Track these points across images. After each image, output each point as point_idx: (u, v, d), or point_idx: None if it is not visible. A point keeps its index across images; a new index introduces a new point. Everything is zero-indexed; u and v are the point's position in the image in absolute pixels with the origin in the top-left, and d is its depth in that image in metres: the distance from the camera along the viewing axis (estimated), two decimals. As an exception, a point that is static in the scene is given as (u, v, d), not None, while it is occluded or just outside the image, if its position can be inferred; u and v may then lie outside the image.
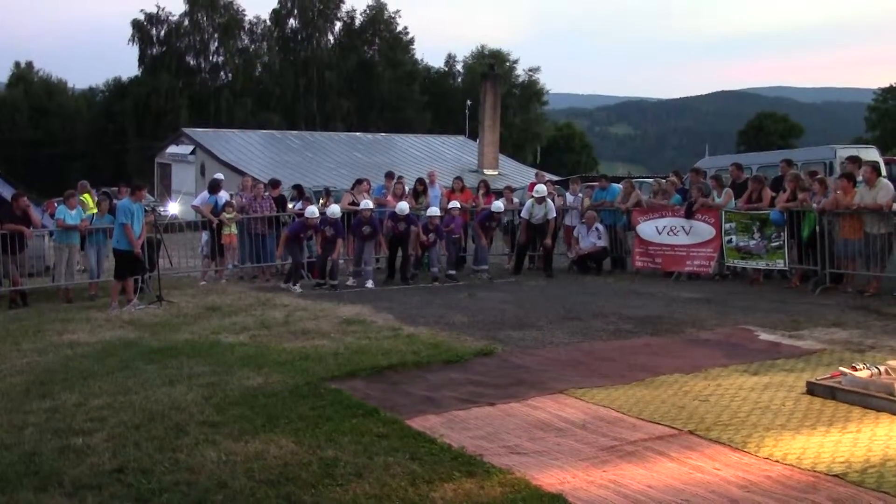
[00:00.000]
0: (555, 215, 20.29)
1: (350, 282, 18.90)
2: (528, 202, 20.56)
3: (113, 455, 7.05)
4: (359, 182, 21.28)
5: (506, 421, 8.01)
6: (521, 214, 20.52)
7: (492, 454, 6.96)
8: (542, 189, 20.34)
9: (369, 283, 18.43)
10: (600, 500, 6.01)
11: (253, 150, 57.60)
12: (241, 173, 38.11)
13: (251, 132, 64.07)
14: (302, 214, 18.73)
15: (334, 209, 18.92)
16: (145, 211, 16.98)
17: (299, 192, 22.88)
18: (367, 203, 19.25)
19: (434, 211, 19.61)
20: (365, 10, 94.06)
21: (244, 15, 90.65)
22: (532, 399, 8.73)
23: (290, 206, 21.28)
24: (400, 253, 19.46)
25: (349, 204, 20.03)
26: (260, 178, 27.25)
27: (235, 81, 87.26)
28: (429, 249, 19.49)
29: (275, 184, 21.48)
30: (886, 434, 7.34)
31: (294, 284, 17.93)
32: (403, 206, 19.37)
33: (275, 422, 7.90)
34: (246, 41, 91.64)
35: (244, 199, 20.21)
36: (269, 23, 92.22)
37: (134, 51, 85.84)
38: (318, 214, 18.49)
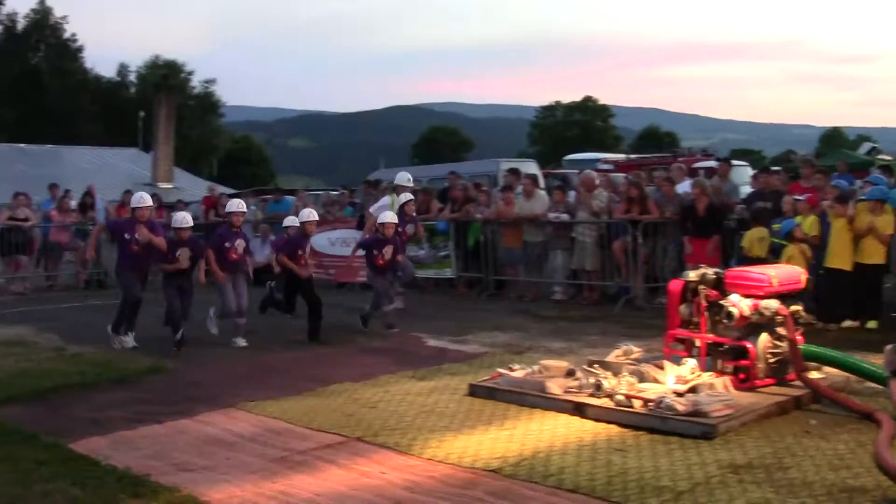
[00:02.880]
0: None
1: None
2: None
3: None
4: (15, 196, 20.18)
5: (175, 438, 7.89)
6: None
7: (159, 473, 6.83)
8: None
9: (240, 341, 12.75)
10: (269, 511, 6.06)
11: None
12: None
13: None
14: None
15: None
16: None
17: None
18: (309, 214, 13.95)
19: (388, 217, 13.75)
20: (28, 14, 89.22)
21: None
22: (202, 415, 8.64)
23: None
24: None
25: (7, 219, 18.93)
26: None
27: None
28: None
29: None
30: (538, 429, 7.82)
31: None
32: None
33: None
34: None
35: None
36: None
37: None
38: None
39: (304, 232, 13.69)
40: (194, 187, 53.66)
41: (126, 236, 12.41)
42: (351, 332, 13.32)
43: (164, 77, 67.06)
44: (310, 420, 8.32)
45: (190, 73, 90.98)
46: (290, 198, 22.28)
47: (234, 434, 7.98)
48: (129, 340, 12.40)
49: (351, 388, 9.64)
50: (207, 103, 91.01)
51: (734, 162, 20.91)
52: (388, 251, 13.39)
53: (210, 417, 8.55)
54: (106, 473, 6.84)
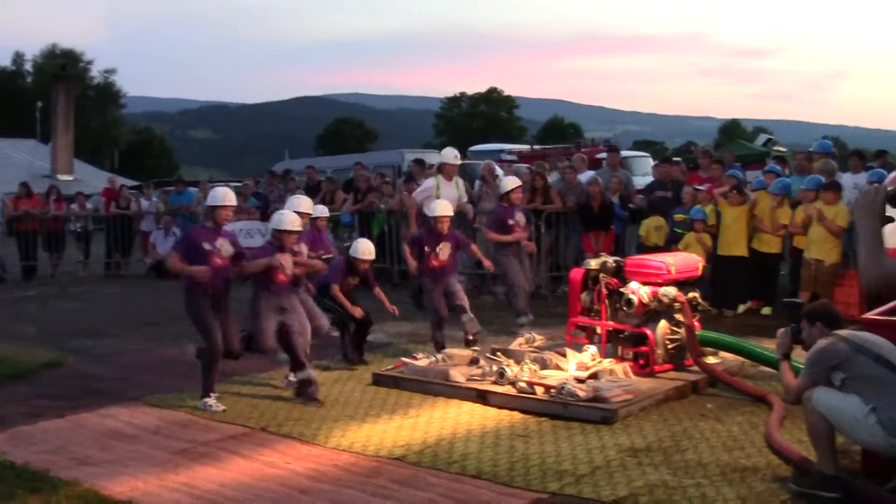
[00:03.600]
0: None
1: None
2: None
3: None
4: None
5: (76, 432, 7.81)
6: None
7: (59, 467, 6.77)
8: None
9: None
10: None
11: None
12: None
13: None
14: None
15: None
16: None
17: None
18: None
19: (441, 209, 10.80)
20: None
21: None
22: (104, 409, 8.55)
23: None
24: None
25: None
26: None
27: None
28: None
29: None
30: (441, 416, 7.92)
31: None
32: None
33: None
34: None
35: None
36: None
37: None
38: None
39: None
40: (95, 179, 52.78)
41: (207, 247, 8.69)
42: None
43: (63, 67, 65.64)
44: (214, 412, 8.29)
45: (89, 63, 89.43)
46: (192, 189, 22.06)
47: (137, 427, 7.93)
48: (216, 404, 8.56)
49: (255, 379, 9.63)
50: (108, 93, 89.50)
51: (635, 153, 21.27)
52: (443, 249, 10.65)
53: (112, 411, 8.47)
54: (4, 469, 6.76)
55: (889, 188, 3.05)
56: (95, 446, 7.38)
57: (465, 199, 13.40)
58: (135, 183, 36.31)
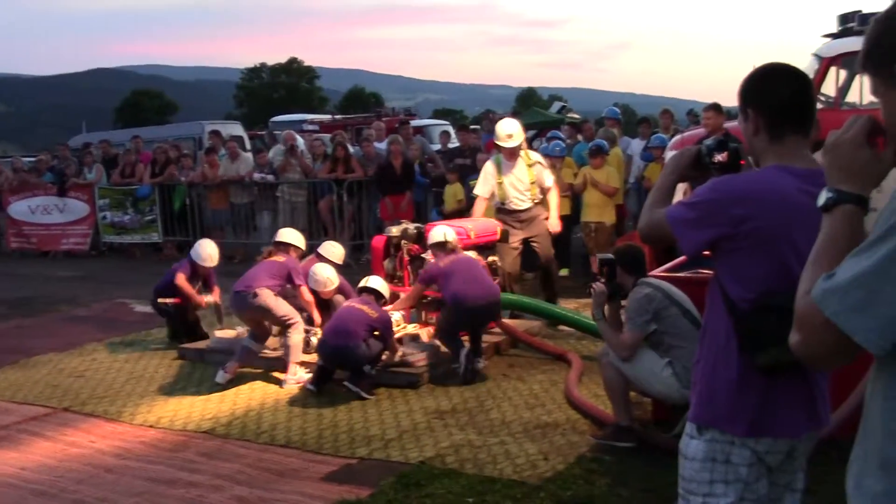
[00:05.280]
0: None
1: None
2: None
3: None
4: None
5: None
6: None
7: None
8: None
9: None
10: (-30, 489, 5.88)
11: None
12: None
13: None
14: None
15: None
16: None
17: None
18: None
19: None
20: None
21: None
22: None
23: None
24: None
25: None
26: None
27: None
28: None
29: None
30: (249, 388, 7.93)
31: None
32: None
33: None
34: None
35: None
36: None
37: None
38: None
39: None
40: None
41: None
42: (55, 301, 12.86)
43: None
44: (13, 394, 8.09)
45: None
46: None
47: (-71, 413, 7.65)
48: None
49: (56, 358, 9.39)
50: None
51: (434, 122, 21.48)
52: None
53: None
54: None
55: (693, 148, 3.24)
56: None
57: (546, 183, 9.92)
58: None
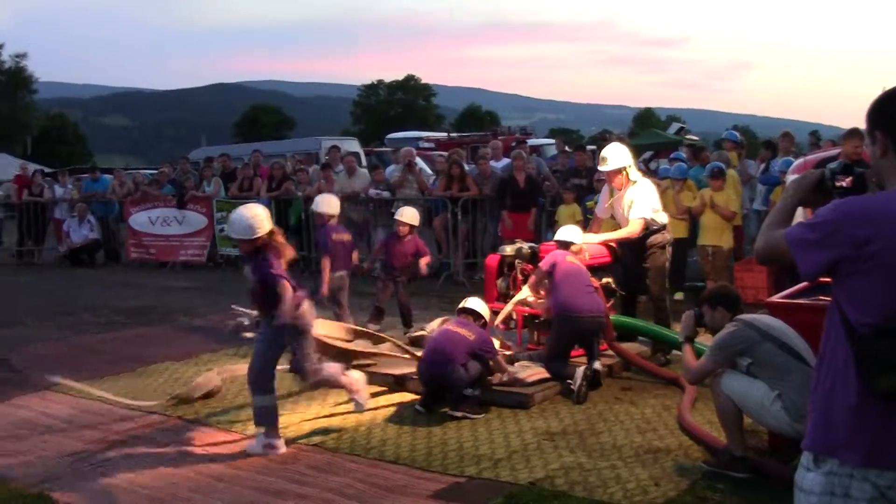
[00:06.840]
0: None
1: None
2: None
3: None
4: None
5: (-12, 423, 7.70)
6: None
7: (-26, 460, 6.67)
8: None
9: None
10: (89, 493, 5.99)
11: None
12: None
13: None
14: None
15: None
16: None
17: None
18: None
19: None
20: None
21: None
22: (16, 398, 8.43)
23: None
24: None
25: None
26: None
27: None
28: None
29: None
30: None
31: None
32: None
33: None
34: None
35: None
36: None
37: None
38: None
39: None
40: (6, 166, 51.58)
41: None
42: (171, 311, 13.13)
43: (-29, 51, 63.87)
44: (131, 401, 8.21)
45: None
46: (107, 176, 21.81)
47: (51, 416, 7.85)
48: None
49: (172, 367, 9.57)
50: (18, 78, 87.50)
51: (549, 141, 21.44)
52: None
53: (24, 401, 8.37)
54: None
55: (816, 172, 3.16)
56: (7, 436, 7.28)
57: (630, 215, 9.31)
58: (48, 170, 35.69)
